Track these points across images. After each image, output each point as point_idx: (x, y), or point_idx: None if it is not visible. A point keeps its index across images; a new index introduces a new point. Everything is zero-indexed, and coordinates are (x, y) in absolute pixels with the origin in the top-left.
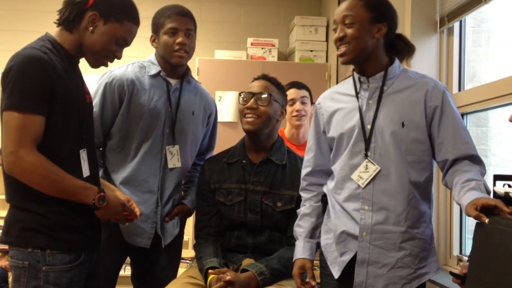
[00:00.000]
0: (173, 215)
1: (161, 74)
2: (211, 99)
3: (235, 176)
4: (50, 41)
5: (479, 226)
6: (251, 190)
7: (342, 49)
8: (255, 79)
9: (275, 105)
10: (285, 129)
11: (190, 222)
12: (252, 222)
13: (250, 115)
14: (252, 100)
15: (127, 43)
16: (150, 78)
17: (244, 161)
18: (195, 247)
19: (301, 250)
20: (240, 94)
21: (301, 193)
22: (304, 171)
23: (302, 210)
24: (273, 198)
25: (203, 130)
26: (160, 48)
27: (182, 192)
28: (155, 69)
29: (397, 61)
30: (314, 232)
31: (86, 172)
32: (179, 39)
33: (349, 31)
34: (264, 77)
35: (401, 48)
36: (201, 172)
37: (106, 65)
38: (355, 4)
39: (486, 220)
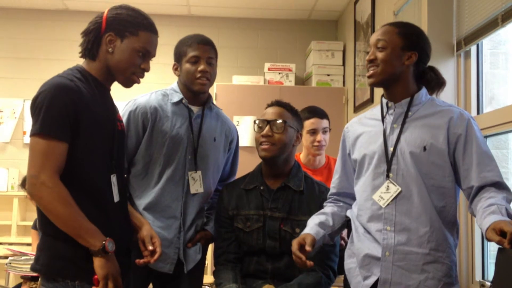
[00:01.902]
0: (196, 241)
1: (183, 101)
2: (232, 125)
3: (253, 202)
4: (79, 70)
5: (501, 251)
6: (269, 217)
7: (371, 71)
8: (269, 105)
9: (290, 132)
10: (301, 155)
11: (209, 247)
12: (271, 248)
13: (265, 143)
14: (267, 128)
15: (149, 53)
16: (173, 106)
17: (262, 188)
18: (215, 273)
19: (307, 229)
20: (254, 122)
21: (325, 203)
22: (330, 192)
23: (321, 210)
24: (291, 225)
25: (224, 156)
26: (182, 76)
27: (205, 218)
28: (177, 96)
29: (424, 89)
30: (325, 226)
31: (116, 197)
32: (201, 67)
33: (380, 55)
34: (278, 103)
35: (431, 80)
36: (219, 198)
37: (138, 82)
38: (390, 30)
39: (506, 244)
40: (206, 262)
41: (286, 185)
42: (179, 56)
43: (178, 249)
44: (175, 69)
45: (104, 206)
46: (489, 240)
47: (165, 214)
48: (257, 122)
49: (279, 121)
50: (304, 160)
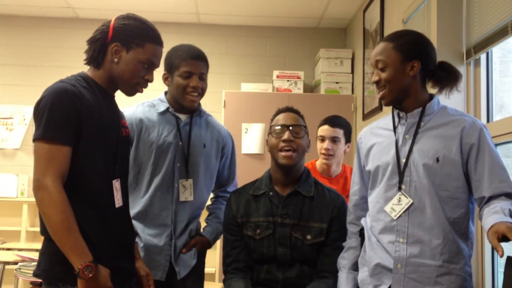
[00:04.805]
0: (191, 246)
1: (170, 110)
2: (224, 130)
3: (262, 209)
4: (82, 77)
5: (509, 259)
6: (279, 223)
7: (380, 92)
8: (281, 111)
9: (306, 137)
10: (317, 162)
11: (216, 254)
12: (281, 256)
13: (287, 148)
14: (287, 133)
15: (153, 64)
16: (159, 115)
17: (271, 193)
18: (225, 282)
19: (344, 281)
20: (271, 127)
21: (348, 227)
22: (350, 204)
23: (348, 243)
24: (302, 231)
25: (217, 162)
26: (173, 88)
27: (204, 223)
28: (163, 106)
29: (436, 98)
30: (357, 265)
31: (118, 202)
32: (193, 83)
33: (383, 75)
34: (290, 109)
35: (442, 79)
36: (227, 205)
37: (141, 91)
38: (386, 47)
39: (500, 253)
40: (213, 269)
41: (296, 191)
42: (170, 67)
43: (170, 256)
44: (165, 78)
45: (104, 211)
46: (489, 242)
47: (156, 222)
48: (275, 127)
49: (299, 126)
50: (319, 168)
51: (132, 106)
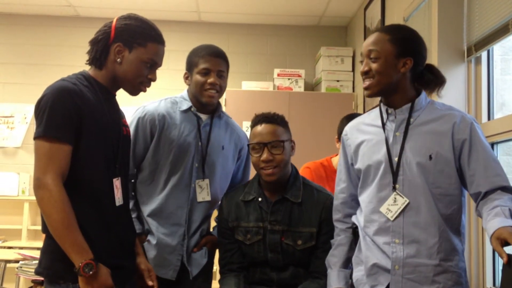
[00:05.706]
0: (201, 246)
1: (192, 109)
2: (242, 133)
3: (252, 214)
4: (84, 76)
5: (507, 257)
6: (269, 230)
7: (367, 82)
8: (257, 122)
9: (287, 147)
10: (333, 159)
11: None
12: (274, 261)
13: (268, 168)
14: (266, 152)
15: (156, 63)
16: (181, 113)
17: (260, 199)
18: (219, 282)
19: (336, 280)
20: (249, 145)
21: (337, 224)
22: (337, 201)
23: (337, 240)
24: (292, 237)
25: (233, 164)
26: (192, 86)
27: (215, 223)
28: (186, 104)
29: (423, 93)
30: (348, 263)
31: (118, 201)
32: (210, 79)
33: (374, 65)
34: (266, 119)
35: (430, 81)
36: (220, 209)
37: (145, 91)
38: (381, 39)
39: (505, 259)
40: (215, 268)
41: (284, 197)
42: (190, 66)
43: (181, 255)
44: (186, 77)
45: (104, 210)
46: (493, 247)
47: (170, 221)
48: (252, 145)
49: (277, 141)
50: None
51: (155, 101)
